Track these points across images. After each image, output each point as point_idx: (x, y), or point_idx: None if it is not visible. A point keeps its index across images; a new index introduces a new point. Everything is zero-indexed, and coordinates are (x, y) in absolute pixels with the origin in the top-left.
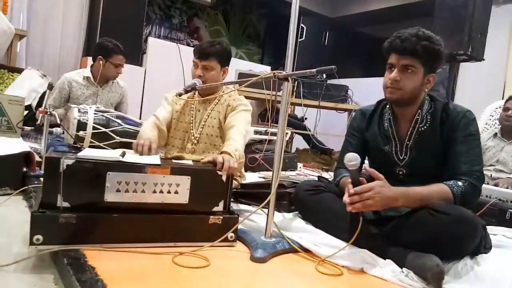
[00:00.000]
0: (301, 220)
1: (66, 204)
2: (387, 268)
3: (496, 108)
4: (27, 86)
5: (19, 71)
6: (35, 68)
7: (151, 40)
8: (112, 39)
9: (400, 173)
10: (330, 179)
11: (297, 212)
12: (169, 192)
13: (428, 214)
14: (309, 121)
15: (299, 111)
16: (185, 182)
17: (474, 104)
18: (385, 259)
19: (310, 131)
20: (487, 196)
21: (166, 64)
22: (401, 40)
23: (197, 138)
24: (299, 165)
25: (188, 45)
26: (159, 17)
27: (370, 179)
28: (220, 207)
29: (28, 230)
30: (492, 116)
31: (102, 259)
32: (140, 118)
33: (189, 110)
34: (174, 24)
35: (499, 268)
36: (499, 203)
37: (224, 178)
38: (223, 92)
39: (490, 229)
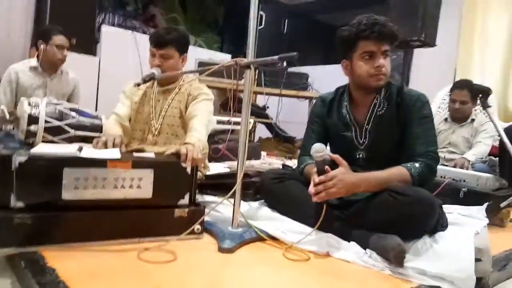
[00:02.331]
0: (267, 208)
1: (20, 204)
2: (351, 251)
3: (447, 93)
4: None
5: None
6: None
7: (105, 29)
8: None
9: (360, 156)
10: (293, 167)
11: (263, 200)
12: (131, 186)
13: (388, 196)
14: (271, 110)
15: (260, 100)
16: (148, 175)
17: (428, 89)
18: (349, 242)
19: (272, 119)
20: (441, 176)
21: (122, 53)
22: (380, 27)
23: (158, 129)
24: (263, 154)
25: (144, 33)
26: (113, 5)
27: (333, 164)
28: (185, 200)
29: None
30: (444, 99)
31: (63, 260)
32: (96, 110)
33: (148, 100)
34: (129, 11)
35: (455, 244)
36: (453, 183)
37: (188, 170)
38: (183, 81)
39: (446, 208)
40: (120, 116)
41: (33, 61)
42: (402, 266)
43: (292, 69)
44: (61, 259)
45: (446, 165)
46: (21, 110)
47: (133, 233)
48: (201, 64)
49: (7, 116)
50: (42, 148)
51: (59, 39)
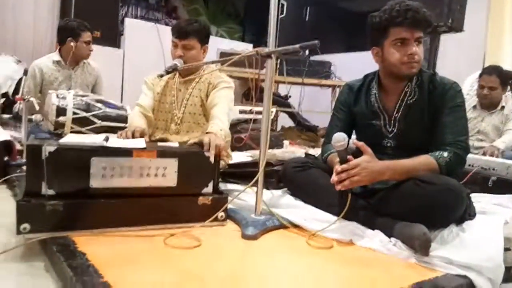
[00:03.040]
0: (290, 196)
1: (51, 192)
2: (375, 239)
3: (476, 80)
4: (2, 73)
5: None
6: (9, 54)
7: (128, 21)
8: (75, 19)
9: (388, 145)
10: (316, 155)
11: (285, 188)
12: (156, 175)
13: (414, 185)
14: (294, 99)
15: (283, 89)
16: (172, 164)
17: (455, 76)
18: (373, 230)
19: (294, 108)
20: (470, 165)
21: (145, 45)
22: (413, 13)
23: (180, 118)
24: (285, 142)
25: (166, 25)
26: None
27: (358, 152)
28: (209, 188)
29: (14, 219)
30: (473, 86)
31: (92, 245)
32: (121, 102)
33: (170, 90)
34: (151, 3)
35: (483, 233)
36: (482, 171)
37: (211, 159)
38: (204, 71)
39: (474, 197)
40: (143, 107)
41: (56, 55)
42: (428, 255)
43: (314, 57)
44: (90, 244)
45: (475, 153)
46: (50, 102)
47: (159, 220)
48: (222, 54)
49: (37, 108)
50: (70, 138)
51: (88, 35)
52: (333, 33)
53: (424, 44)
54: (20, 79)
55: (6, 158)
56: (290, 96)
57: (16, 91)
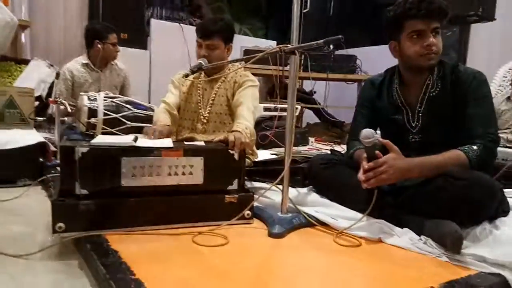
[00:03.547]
0: (316, 194)
1: (84, 191)
2: (405, 237)
3: (510, 69)
4: (35, 77)
5: (26, 62)
6: (41, 59)
7: (154, 22)
8: (100, 21)
9: (413, 140)
10: (342, 152)
11: (311, 186)
12: (183, 173)
13: (444, 181)
14: (319, 94)
15: (307, 85)
16: (198, 163)
17: (487, 67)
18: (402, 228)
19: (319, 104)
20: (503, 159)
21: (170, 45)
22: (427, 4)
23: (206, 118)
24: (311, 139)
25: (190, 24)
26: None
27: (383, 150)
28: (234, 186)
29: (50, 219)
30: (505, 77)
31: (124, 243)
32: (149, 102)
33: (196, 90)
34: (176, 4)
35: None
36: None
37: (236, 156)
38: (229, 69)
39: (508, 192)
40: (168, 104)
41: (84, 58)
42: (460, 253)
43: (339, 52)
44: (122, 242)
45: (510, 147)
46: (81, 104)
47: (187, 218)
48: (246, 52)
49: (69, 110)
50: (101, 139)
51: (114, 37)
52: (358, 26)
53: (453, 35)
54: (53, 83)
55: (41, 160)
56: (315, 92)
57: (49, 94)
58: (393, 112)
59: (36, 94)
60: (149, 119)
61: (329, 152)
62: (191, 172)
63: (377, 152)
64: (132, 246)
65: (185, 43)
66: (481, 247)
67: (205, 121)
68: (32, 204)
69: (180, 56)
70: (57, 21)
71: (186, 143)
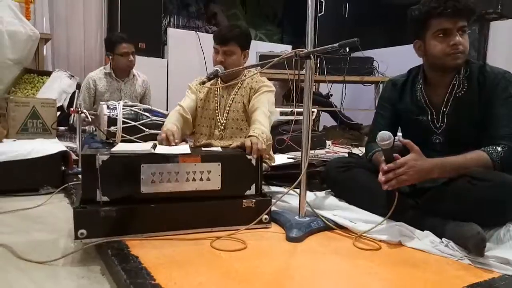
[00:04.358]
0: (334, 197)
1: (105, 198)
2: (425, 240)
3: None
4: (56, 87)
5: (48, 73)
6: (62, 70)
7: (171, 31)
8: (115, 32)
9: (437, 141)
10: (360, 155)
11: (329, 190)
12: (201, 179)
13: (466, 182)
14: (335, 97)
15: (324, 88)
16: (216, 168)
17: (508, 65)
18: (423, 231)
19: (336, 107)
20: None
21: (187, 53)
22: (454, 2)
23: (223, 124)
24: (328, 142)
25: (207, 32)
26: (176, 7)
27: (404, 150)
28: (252, 191)
29: (72, 226)
30: None
31: (144, 248)
32: (167, 110)
33: (213, 97)
34: (192, 12)
35: None
36: None
37: (253, 161)
38: (245, 76)
39: None
40: (183, 107)
41: (108, 68)
42: (483, 255)
43: (356, 54)
44: (142, 248)
45: None
46: (102, 113)
47: (205, 223)
48: (262, 57)
49: (89, 119)
50: (121, 147)
51: (122, 47)
52: (375, 27)
53: (472, 33)
54: (74, 93)
55: (63, 168)
56: (331, 95)
57: (70, 104)
58: (416, 113)
59: (58, 104)
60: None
61: (346, 155)
62: (209, 177)
63: (395, 154)
64: (152, 252)
65: (201, 50)
66: (505, 249)
67: (222, 127)
68: (55, 211)
69: (196, 64)
70: (77, 33)
71: (203, 149)
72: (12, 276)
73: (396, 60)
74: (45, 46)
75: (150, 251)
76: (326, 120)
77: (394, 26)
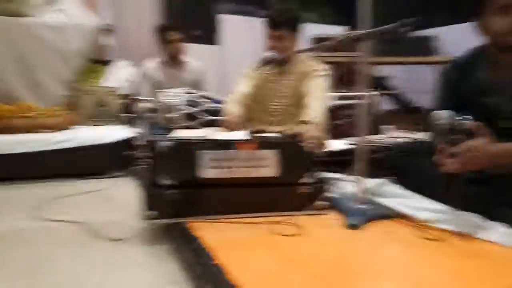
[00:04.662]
0: (395, 184)
1: (168, 182)
2: (496, 230)
3: None
4: (120, 76)
5: (112, 63)
6: (125, 59)
7: (223, 17)
8: (163, 21)
9: (504, 126)
10: (423, 140)
11: (389, 176)
12: (257, 166)
13: None
14: (394, 79)
15: (381, 70)
16: (271, 155)
17: None
18: (493, 221)
19: (395, 89)
20: None
21: (240, 39)
22: None
23: (276, 110)
24: (386, 127)
25: (258, 16)
26: None
27: (469, 133)
28: (308, 177)
29: (139, 207)
30: None
31: (205, 230)
32: (222, 96)
33: (265, 82)
34: None
35: None
36: None
37: (308, 148)
38: (297, 60)
39: None
40: (239, 94)
41: (162, 56)
42: None
43: (415, 33)
44: (203, 230)
45: None
46: (161, 101)
47: (263, 208)
48: (315, 40)
49: (151, 106)
50: (182, 133)
51: (170, 34)
52: (436, 3)
53: None
54: (136, 81)
55: (129, 153)
56: (390, 77)
57: (133, 92)
58: (481, 96)
59: (122, 92)
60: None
61: (407, 140)
62: (265, 164)
63: (459, 136)
64: (213, 234)
65: (254, 35)
66: None
67: (275, 113)
68: (122, 193)
69: (250, 49)
70: (137, 23)
71: (259, 135)
72: (90, 251)
73: (459, 38)
74: (108, 37)
75: (211, 233)
76: (384, 104)
77: (457, 2)
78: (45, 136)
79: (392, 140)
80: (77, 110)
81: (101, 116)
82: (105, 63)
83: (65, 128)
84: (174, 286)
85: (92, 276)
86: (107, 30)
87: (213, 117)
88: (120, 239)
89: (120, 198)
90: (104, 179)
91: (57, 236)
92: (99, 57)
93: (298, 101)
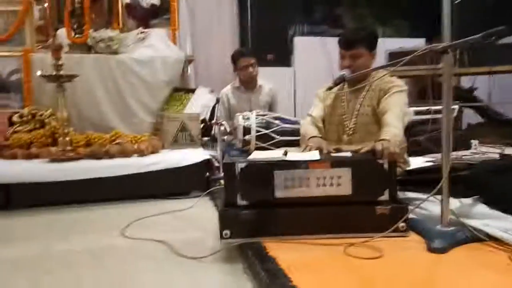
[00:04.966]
0: (484, 205)
1: (244, 202)
2: None
3: None
4: (199, 103)
5: (192, 91)
6: (204, 86)
7: (297, 39)
8: (237, 48)
9: None
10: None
11: (477, 196)
12: (331, 184)
13: None
14: (480, 91)
15: (466, 81)
16: (346, 173)
17: None
18: None
19: (482, 101)
20: None
21: (313, 59)
22: None
23: (352, 129)
24: (473, 142)
25: (332, 36)
26: (301, 15)
27: None
28: (385, 197)
29: (217, 226)
30: None
31: (280, 250)
32: (294, 116)
33: (340, 102)
34: (316, 18)
35: None
36: None
37: (386, 166)
38: (373, 77)
39: None
40: (314, 117)
41: (236, 82)
42: None
43: (504, 40)
44: (278, 249)
45: None
46: (237, 124)
47: (337, 228)
48: (391, 55)
49: (228, 130)
50: (256, 155)
51: (241, 61)
52: None
53: None
54: (214, 106)
55: (207, 174)
56: (475, 89)
57: (211, 117)
58: None
59: (201, 117)
60: (296, 133)
61: (497, 156)
62: (339, 183)
63: None
64: (288, 254)
65: (327, 56)
66: None
67: (351, 132)
68: (202, 213)
69: (323, 70)
70: (214, 52)
71: (332, 154)
72: (171, 268)
73: None
74: (189, 66)
75: (286, 253)
76: (470, 117)
77: None
78: (136, 160)
79: (478, 156)
80: (162, 136)
81: (183, 140)
82: (187, 91)
83: (153, 153)
84: None
85: None
86: (189, 60)
87: (288, 138)
88: (199, 258)
89: (200, 218)
90: (186, 200)
91: (141, 253)
92: (182, 86)
93: (375, 119)
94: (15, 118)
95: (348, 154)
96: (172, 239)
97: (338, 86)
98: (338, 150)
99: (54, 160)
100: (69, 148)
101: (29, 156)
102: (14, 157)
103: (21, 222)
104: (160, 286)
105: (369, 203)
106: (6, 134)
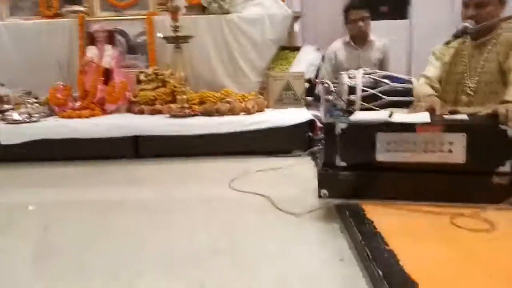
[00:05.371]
0: None
1: (343, 164)
2: None
3: None
4: (305, 61)
5: (298, 49)
6: (310, 44)
7: None
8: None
9: None
10: None
11: None
12: (442, 151)
13: None
14: None
15: None
16: (460, 139)
17: None
18: None
19: None
20: None
21: (434, 10)
22: None
23: (473, 88)
24: None
25: None
26: None
27: None
28: (507, 167)
29: (316, 185)
30: None
31: (378, 214)
32: (409, 75)
33: (461, 58)
34: None
35: None
36: None
37: (509, 132)
38: (501, 29)
39: None
40: (429, 78)
41: (346, 37)
42: None
43: None
44: (376, 213)
45: None
46: (342, 82)
47: (445, 197)
48: None
49: (332, 88)
50: (359, 115)
51: (352, 14)
52: None
53: None
54: (319, 65)
55: (310, 134)
56: None
57: (316, 75)
58: None
59: (306, 76)
60: (407, 93)
61: None
62: (451, 149)
63: None
64: (386, 218)
65: (451, 5)
66: None
67: (471, 92)
68: (303, 171)
69: (445, 22)
70: (324, 8)
71: (446, 117)
72: (271, 220)
73: None
74: (296, 24)
75: (384, 217)
76: None
77: None
78: (242, 118)
79: None
80: (267, 95)
81: (287, 99)
82: (294, 49)
83: (258, 111)
84: (345, 264)
85: (268, 245)
86: (296, 17)
87: (397, 98)
88: (298, 213)
89: (300, 176)
90: (289, 158)
91: (244, 205)
92: (289, 44)
93: (501, 78)
94: (141, 77)
95: (464, 117)
96: (274, 194)
97: (459, 40)
98: (453, 112)
99: (174, 115)
100: (186, 105)
101: (154, 112)
102: (141, 112)
103: (147, 169)
104: (262, 235)
105: (485, 173)
106: (134, 92)
